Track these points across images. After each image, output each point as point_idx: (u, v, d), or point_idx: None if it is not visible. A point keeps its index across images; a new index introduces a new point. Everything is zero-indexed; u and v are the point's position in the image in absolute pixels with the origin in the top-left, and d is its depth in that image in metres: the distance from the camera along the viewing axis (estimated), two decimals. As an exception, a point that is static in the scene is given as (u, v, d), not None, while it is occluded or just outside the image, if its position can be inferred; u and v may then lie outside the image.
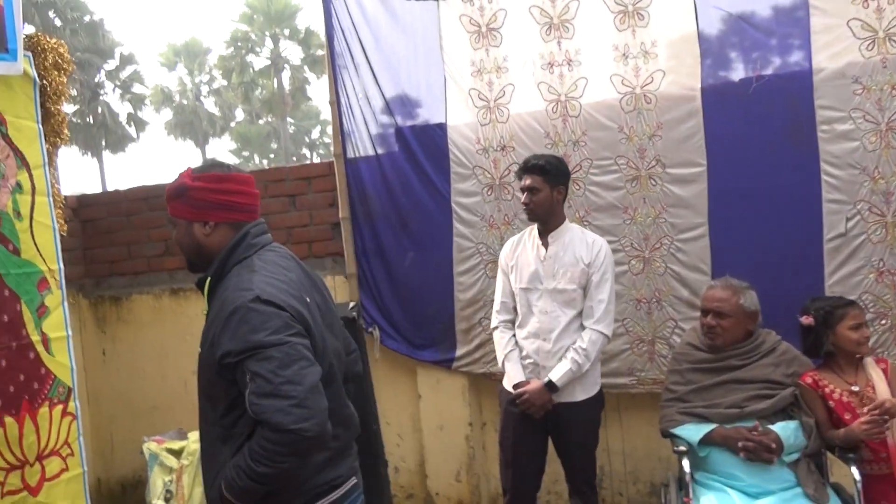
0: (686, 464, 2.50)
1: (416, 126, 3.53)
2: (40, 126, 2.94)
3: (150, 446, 3.77)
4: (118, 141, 31.87)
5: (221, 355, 1.66)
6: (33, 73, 2.91)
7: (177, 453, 3.69)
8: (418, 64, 3.50)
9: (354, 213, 3.70)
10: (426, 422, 3.72)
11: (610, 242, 3.18)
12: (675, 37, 3.14)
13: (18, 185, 2.85)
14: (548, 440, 2.88)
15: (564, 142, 3.29)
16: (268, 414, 1.56)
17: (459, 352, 3.53)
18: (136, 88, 33.06)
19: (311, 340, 1.70)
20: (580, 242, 2.79)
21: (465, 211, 3.47)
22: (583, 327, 2.75)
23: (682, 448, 2.54)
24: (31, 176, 2.89)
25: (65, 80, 3.05)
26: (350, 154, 3.68)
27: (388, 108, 3.56)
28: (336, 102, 3.67)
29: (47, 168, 2.97)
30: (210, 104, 35.97)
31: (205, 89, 36.00)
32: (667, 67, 3.15)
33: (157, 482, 3.65)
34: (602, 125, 3.24)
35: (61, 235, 3.10)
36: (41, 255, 2.95)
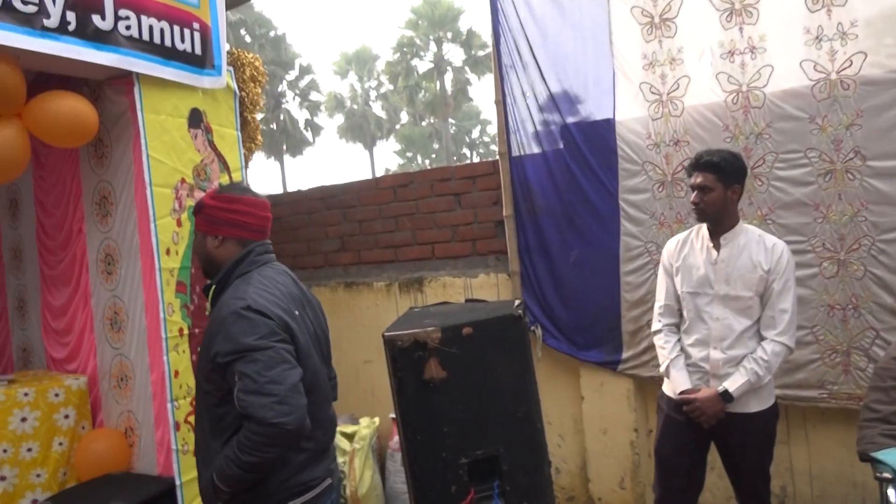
0: (892, 493, 2.22)
1: (583, 122, 3.46)
2: (239, 133, 3.26)
3: (325, 428, 4.05)
4: (297, 145, 34.65)
5: (214, 354, 1.84)
6: (234, 85, 3.24)
7: (349, 437, 3.94)
8: (586, 59, 3.43)
9: (518, 211, 3.72)
10: (589, 424, 3.65)
11: (797, 242, 2.92)
12: (875, 14, 2.80)
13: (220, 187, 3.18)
14: (708, 452, 2.72)
15: (745, 134, 3.06)
16: (253, 409, 1.75)
17: (626, 354, 3.42)
18: (313, 96, 35.74)
19: (295, 347, 1.89)
20: (757, 246, 2.57)
21: (633, 208, 3.35)
22: (760, 336, 2.55)
23: (887, 475, 2.26)
24: (230, 178, 3.22)
25: (259, 91, 3.37)
26: (515, 152, 3.69)
27: (555, 105, 3.53)
28: (502, 101, 3.70)
29: (244, 171, 3.29)
30: (377, 108, 37.92)
31: (373, 94, 38.02)
32: (867, 48, 2.82)
33: (332, 462, 3.91)
34: (789, 115, 2.97)
35: (254, 232, 3.42)
36: (238, 250, 3.26)
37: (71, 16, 2.55)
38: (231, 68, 3.23)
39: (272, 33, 33.21)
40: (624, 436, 3.55)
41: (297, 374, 1.83)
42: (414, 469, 2.43)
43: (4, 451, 2.80)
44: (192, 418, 2.90)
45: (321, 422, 2.01)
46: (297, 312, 1.98)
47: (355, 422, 4.14)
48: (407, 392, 2.41)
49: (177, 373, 2.85)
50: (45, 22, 2.49)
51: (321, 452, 2.02)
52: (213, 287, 2.03)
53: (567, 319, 3.59)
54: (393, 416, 3.91)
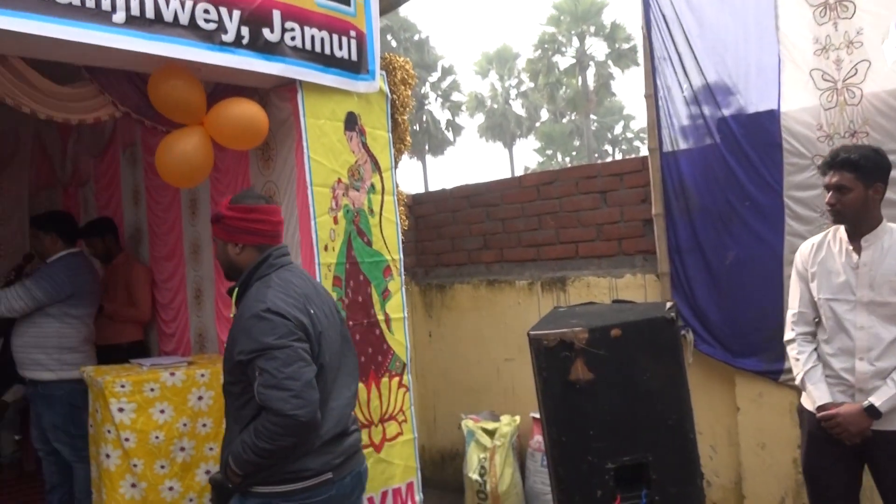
0: None
1: (742, 114, 3.24)
2: (390, 135, 3.39)
3: (467, 423, 4.11)
4: (438, 145, 35.51)
5: (238, 352, 2.03)
6: (386, 89, 3.37)
7: (490, 433, 3.97)
8: (748, 47, 3.21)
9: (669, 209, 3.56)
10: (745, 437, 3.42)
11: None
12: None
13: (372, 187, 3.33)
14: (862, 472, 2.47)
15: (938, 123, 2.72)
16: (272, 402, 1.94)
17: (789, 363, 3.17)
18: (455, 96, 36.44)
19: (310, 345, 2.05)
20: None
21: (800, 206, 3.09)
22: None
23: None
24: (382, 178, 3.36)
25: (409, 93, 3.48)
26: (666, 147, 3.54)
27: (712, 97, 3.33)
28: (653, 95, 3.56)
29: (394, 171, 3.42)
30: (517, 106, 37.91)
31: (513, 92, 38.07)
32: None
33: (474, 458, 3.97)
34: None
35: (402, 230, 3.55)
36: (387, 247, 3.41)
37: (245, 30, 2.77)
38: (384, 72, 3.36)
39: (416, 37, 34.27)
40: (785, 452, 3.29)
41: (311, 371, 2.00)
42: (558, 470, 2.41)
43: (185, 424, 3.11)
44: (345, 406, 3.07)
45: (326, 411, 2.09)
46: (311, 311, 2.11)
47: (496, 419, 4.17)
48: (552, 392, 2.40)
49: (332, 362, 3.02)
50: (223, 37, 2.73)
51: (320, 443, 2.07)
52: (237, 290, 2.22)
53: (722, 324, 3.38)
54: (534, 415, 3.89)
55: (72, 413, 3.48)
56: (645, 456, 2.32)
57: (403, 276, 3.50)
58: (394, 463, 3.34)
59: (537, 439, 3.90)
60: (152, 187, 4.22)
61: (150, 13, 2.53)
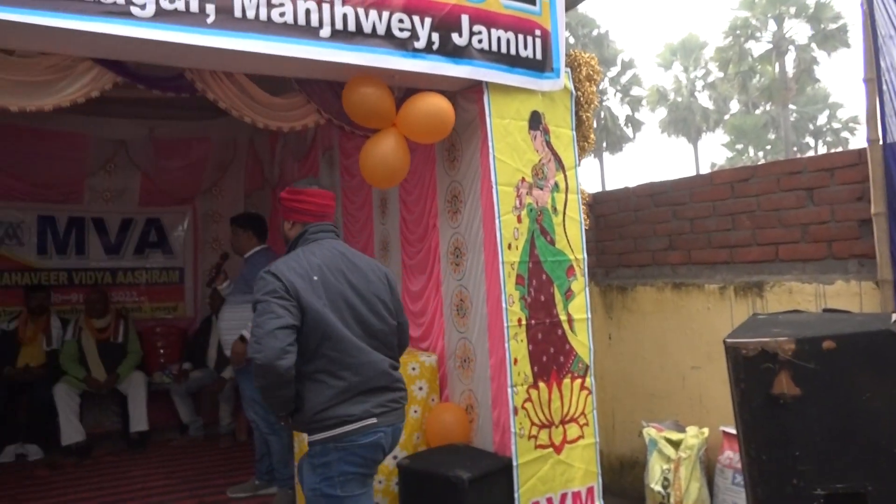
0: None
1: None
2: (574, 132, 3.35)
3: (649, 432, 3.94)
4: (616, 142, 34.45)
5: None
6: (571, 86, 3.33)
7: (675, 444, 3.77)
8: None
9: (892, 208, 3.13)
10: None
11: None
12: None
13: (556, 185, 3.31)
14: None
15: None
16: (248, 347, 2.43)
17: None
18: (635, 91, 35.10)
19: (299, 303, 2.27)
20: None
21: None
22: None
23: None
24: (565, 177, 3.33)
25: (594, 89, 3.41)
26: (890, 138, 3.12)
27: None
28: (875, 79, 3.16)
29: (577, 169, 3.37)
30: (704, 98, 35.65)
31: (699, 84, 35.84)
32: None
33: (656, 468, 3.80)
34: None
35: (584, 229, 3.49)
36: (570, 246, 3.37)
37: (435, 36, 2.89)
38: (568, 69, 3.33)
39: (594, 32, 33.50)
40: None
41: (278, 323, 2.21)
42: (756, 491, 2.23)
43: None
44: (528, 405, 3.08)
45: (349, 365, 2.32)
46: (315, 278, 2.35)
47: (681, 429, 3.95)
48: (751, 406, 2.22)
49: (515, 360, 3.05)
50: (416, 44, 2.87)
51: (355, 393, 2.31)
52: None
53: (960, 341, 2.91)
54: (725, 429, 3.63)
55: None
56: (863, 485, 2.07)
57: (587, 277, 3.44)
58: (574, 466, 3.30)
59: (728, 455, 3.63)
60: (347, 188, 4.55)
61: (351, 26, 2.73)
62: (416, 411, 3.42)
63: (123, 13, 2.34)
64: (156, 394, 5.40)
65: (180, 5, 2.42)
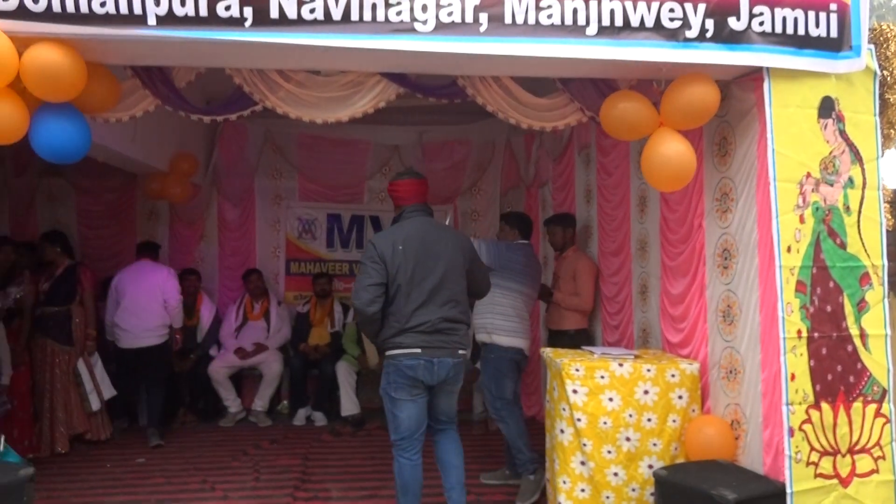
0: None
1: None
2: (877, 118, 2.91)
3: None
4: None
5: None
6: (875, 65, 2.89)
7: None
8: None
9: None
10: None
11: None
12: None
13: (850, 181, 2.91)
14: None
15: None
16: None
17: None
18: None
19: (385, 266, 3.12)
20: None
21: None
22: None
23: None
24: (863, 170, 2.90)
25: (905, 67, 2.91)
26: None
27: None
28: None
29: (879, 161, 2.91)
30: None
31: None
32: None
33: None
34: None
35: (886, 231, 3.00)
36: (866, 250, 2.93)
37: (709, 23, 2.70)
38: (871, 46, 2.88)
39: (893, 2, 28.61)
40: None
41: (369, 280, 3.10)
42: None
43: (630, 415, 3.22)
44: (807, 426, 2.75)
45: (410, 312, 3.13)
46: (400, 247, 3.14)
47: None
48: None
49: (793, 376, 2.74)
50: (687, 33, 2.71)
51: (409, 331, 3.13)
52: None
53: None
54: None
55: (496, 375, 4.02)
56: None
57: (886, 286, 2.96)
58: (863, 503, 2.86)
59: None
60: (604, 186, 4.47)
61: (618, 21, 2.68)
62: (674, 420, 3.25)
63: (408, 30, 2.61)
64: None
65: (457, 18, 2.61)
